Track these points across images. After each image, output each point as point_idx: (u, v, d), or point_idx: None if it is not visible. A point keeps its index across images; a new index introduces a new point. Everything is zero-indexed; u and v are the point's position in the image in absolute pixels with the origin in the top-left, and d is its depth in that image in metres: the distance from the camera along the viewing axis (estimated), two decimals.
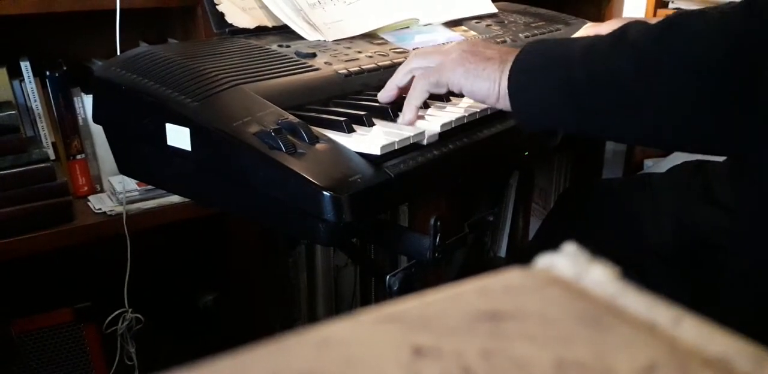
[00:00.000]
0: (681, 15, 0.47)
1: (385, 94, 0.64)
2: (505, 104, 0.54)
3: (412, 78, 0.61)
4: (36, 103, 0.86)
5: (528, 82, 0.52)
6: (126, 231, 0.84)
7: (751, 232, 0.54)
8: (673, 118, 0.46)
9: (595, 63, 0.48)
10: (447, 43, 0.89)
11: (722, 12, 0.44)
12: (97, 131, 0.88)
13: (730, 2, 0.46)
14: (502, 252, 1.53)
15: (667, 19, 0.47)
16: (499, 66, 0.54)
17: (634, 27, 0.48)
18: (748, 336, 0.17)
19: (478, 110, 0.66)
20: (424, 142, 0.58)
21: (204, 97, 0.57)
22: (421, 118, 0.63)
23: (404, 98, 0.62)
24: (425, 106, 0.67)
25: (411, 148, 0.57)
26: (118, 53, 0.79)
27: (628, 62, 0.46)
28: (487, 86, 0.55)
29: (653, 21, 0.48)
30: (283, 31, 0.81)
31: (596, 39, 0.50)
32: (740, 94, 0.43)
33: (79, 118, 0.88)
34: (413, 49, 0.83)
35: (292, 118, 0.56)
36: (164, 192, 0.86)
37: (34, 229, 0.78)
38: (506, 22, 1.04)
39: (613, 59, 0.47)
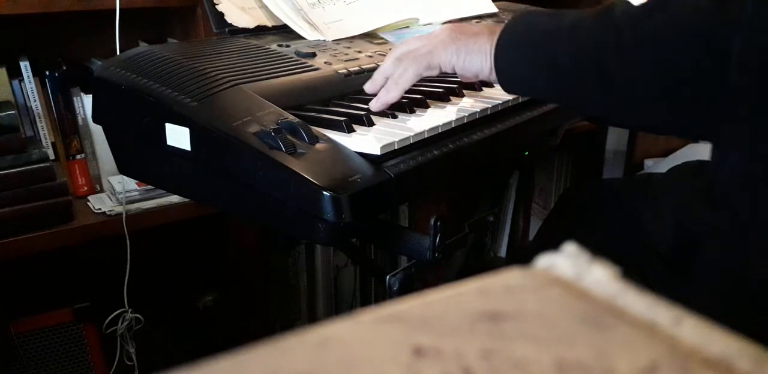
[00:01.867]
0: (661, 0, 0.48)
1: (372, 85, 0.64)
2: (494, 75, 0.56)
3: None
4: (35, 103, 0.86)
5: (513, 54, 0.54)
6: (126, 231, 0.84)
7: (749, 233, 0.54)
8: (647, 97, 0.47)
9: (579, 38, 0.50)
10: None
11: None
12: (97, 131, 0.88)
13: None
14: (503, 253, 1.53)
15: (648, 3, 0.48)
16: (489, 38, 0.56)
17: (619, 5, 0.50)
18: (747, 336, 0.17)
19: (478, 110, 0.66)
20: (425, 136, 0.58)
21: (204, 97, 0.57)
22: (422, 117, 0.63)
23: (411, 93, 0.62)
24: (425, 106, 0.67)
25: (411, 148, 0.57)
26: (118, 53, 0.79)
27: (609, 40, 0.48)
28: (479, 59, 0.56)
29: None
30: (283, 31, 0.81)
31: (582, 14, 0.51)
32: (710, 80, 0.44)
33: (79, 117, 0.88)
34: None
35: (291, 117, 0.55)
36: (164, 192, 0.86)
37: (33, 229, 0.78)
38: (506, 21, 1.04)
39: (596, 36, 0.49)
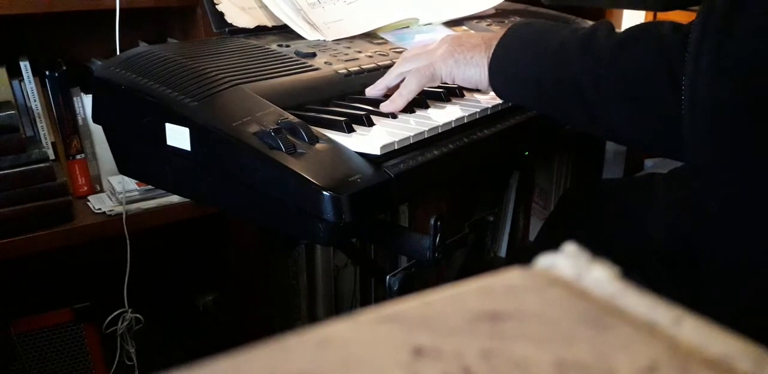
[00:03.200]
0: (637, 31, 0.53)
1: (373, 92, 0.67)
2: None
3: (403, 80, 0.65)
4: (35, 103, 0.86)
5: (504, 72, 0.59)
6: (126, 231, 0.84)
7: (748, 233, 0.54)
8: (617, 122, 0.54)
9: (563, 64, 0.55)
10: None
11: (663, 36, 0.51)
12: (97, 131, 0.88)
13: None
14: (503, 252, 1.53)
15: (627, 33, 0.53)
16: (485, 52, 0.60)
17: (601, 31, 0.55)
18: (748, 337, 0.17)
19: (478, 110, 0.66)
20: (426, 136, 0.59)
21: (204, 97, 0.57)
22: (422, 117, 0.63)
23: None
24: (425, 106, 0.67)
25: (411, 148, 0.57)
26: (118, 53, 0.79)
27: (589, 69, 0.53)
28: (476, 72, 0.61)
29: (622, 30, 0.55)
30: (283, 31, 0.81)
31: (571, 36, 0.56)
32: (670, 112, 0.50)
33: (79, 117, 0.88)
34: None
35: (291, 117, 0.55)
36: (164, 192, 0.86)
37: (33, 229, 0.78)
38: (506, 21, 1.04)
39: (577, 64, 0.54)
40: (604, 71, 0.52)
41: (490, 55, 0.59)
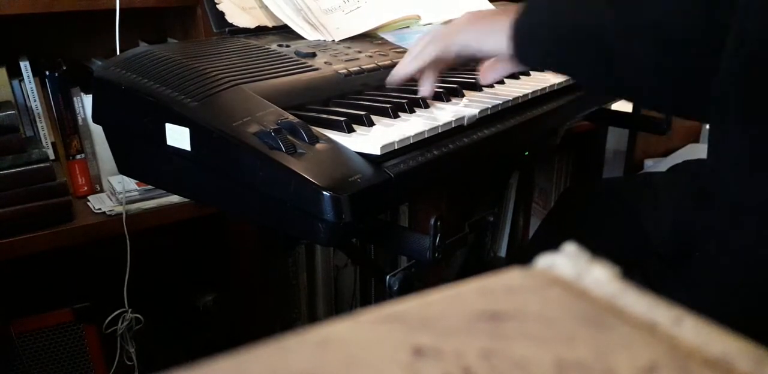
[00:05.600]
0: None
1: (404, 69, 0.67)
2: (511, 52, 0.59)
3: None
4: (35, 103, 0.86)
5: (527, 32, 0.57)
6: (126, 231, 0.84)
7: (748, 232, 0.54)
8: (643, 76, 0.50)
9: (583, 17, 0.53)
10: None
11: None
12: (97, 131, 0.88)
13: None
14: (503, 252, 1.53)
15: None
16: (506, 18, 0.58)
17: None
18: (748, 337, 0.17)
19: (478, 110, 0.66)
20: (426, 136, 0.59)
21: (204, 97, 0.57)
22: (422, 117, 0.63)
23: (402, 97, 0.63)
24: (425, 106, 0.67)
25: (411, 148, 0.57)
26: (118, 53, 0.79)
27: (611, 18, 0.50)
28: (496, 38, 0.58)
29: None
30: (283, 31, 0.81)
31: None
32: (705, 59, 0.47)
33: (79, 117, 0.88)
34: None
35: (291, 117, 0.55)
36: (164, 192, 0.86)
37: (33, 229, 0.78)
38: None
39: (601, 15, 0.51)
40: (632, 17, 0.49)
41: (512, 21, 0.57)
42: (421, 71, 0.66)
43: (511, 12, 0.58)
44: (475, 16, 0.62)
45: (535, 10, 0.57)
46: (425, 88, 0.66)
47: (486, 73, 0.68)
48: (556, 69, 0.62)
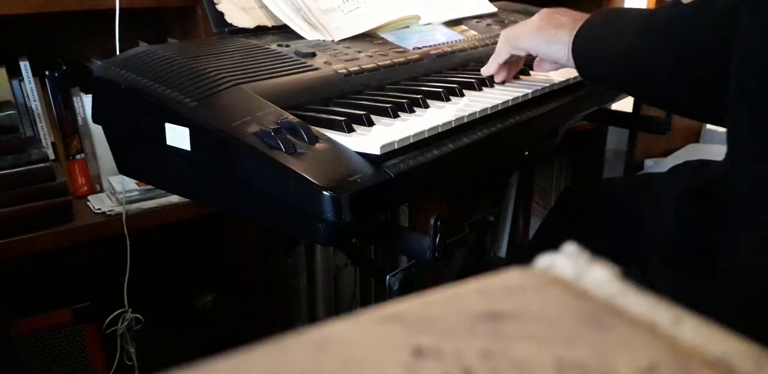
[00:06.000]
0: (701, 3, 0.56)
1: (488, 68, 0.78)
2: (572, 63, 0.67)
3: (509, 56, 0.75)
4: (35, 103, 0.86)
5: (587, 48, 0.65)
6: (125, 231, 0.84)
7: (749, 232, 0.54)
8: (666, 86, 0.58)
9: (626, 40, 0.60)
10: (447, 42, 0.89)
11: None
12: (97, 131, 0.88)
13: None
14: (503, 252, 1.53)
15: (694, 5, 0.56)
16: (569, 31, 0.66)
17: (665, 7, 0.59)
18: (748, 337, 0.17)
19: (478, 110, 0.66)
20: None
21: (203, 97, 0.57)
22: (422, 117, 0.63)
23: (405, 97, 0.63)
24: (425, 106, 0.67)
25: (411, 148, 0.57)
26: (118, 53, 0.79)
27: (643, 41, 0.58)
28: (557, 49, 0.67)
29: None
30: (283, 31, 0.81)
31: (638, 15, 0.61)
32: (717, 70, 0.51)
33: (79, 117, 0.88)
34: (413, 49, 0.83)
35: (291, 117, 0.55)
36: (164, 192, 0.86)
37: (33, 229, 0.78)
38: (506, 21, 1.04)
39: (636, 37, 0.58)
40: (657, 39, 0.57)
41: (574, 35, 0.65)
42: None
43: (573, 22, 0.66)
44: (545, 22, 0.69)
45: (591, 29, 0.65)
46: (500, 78, 0.77)
47: (538, 66, 0.77)
48: (606, 83, 0.71)
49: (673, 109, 0.76)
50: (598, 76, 0.67)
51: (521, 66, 0.81)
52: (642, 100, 0.77)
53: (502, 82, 0.77)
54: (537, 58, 0.76)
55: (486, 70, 0.77)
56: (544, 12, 0.71)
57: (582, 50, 0.65)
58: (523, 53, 0.73)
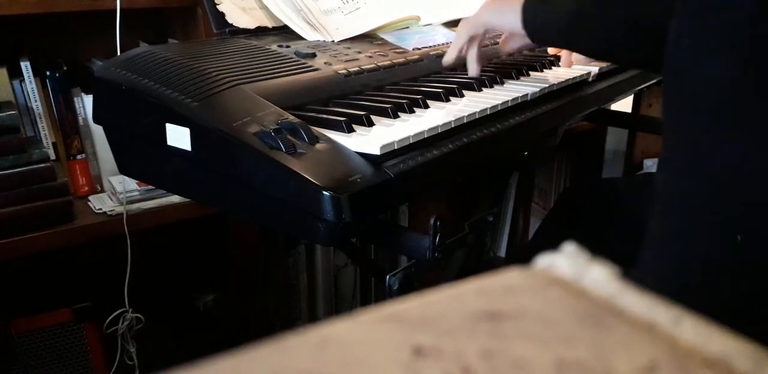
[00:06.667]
0: None
1: (449, 55, 0.78)
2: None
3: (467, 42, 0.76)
4: (36, 103, 0.86)
5: (536, 9, 0.67)
6: (126, 231, 0.84)
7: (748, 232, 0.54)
8: (615, 36, 0.61)
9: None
10: (447, 43, 0.89)
11: None
12: (98, 131, 0.88)
13: None
14: (502, 252, 1.53)
15: None
16: (519, 1, 0.68)
17: None
18: (748, 336, 0.17)
19: (478, 110, 0.66)
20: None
21: (204, 97, 0.57)
22: (422, 117, 0.63)
23: (405, 97, 0.63)
24: (425, 106, 0.67)
25: (411, 148, 0.57)
26: (119, 53, 0.79)
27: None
28: (511, 16, 0.69)
29: None
30: (283, 32, 0.81)
31: None
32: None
33: (80, 118, 0.88)
34: (413, 50, 0.83)
35: (291, 118, 0.56)
36: (164, 192, 0.86)
37: (34, 229, 0.78)
38: None
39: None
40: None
41: (522, 3, 0.67)
42: (465, 53, 0.77)
43: None
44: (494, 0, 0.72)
45: None
46: (472, 68, 0.76)
47: (504, 45, 0.79)
48: (556, 43, 0.75)
49: (620, 62, 0.79)
50: (548, 37, 0.69)
51: (490, 56, 0.83)
52: (590, 56, 0.78)
53: (479, 75, 0.77)
54: (502, 38, 0.78)
55: (447, 57, 0.77)
56: None
57: (531, 14, 0.67)
58: (481, 29, 0.73)
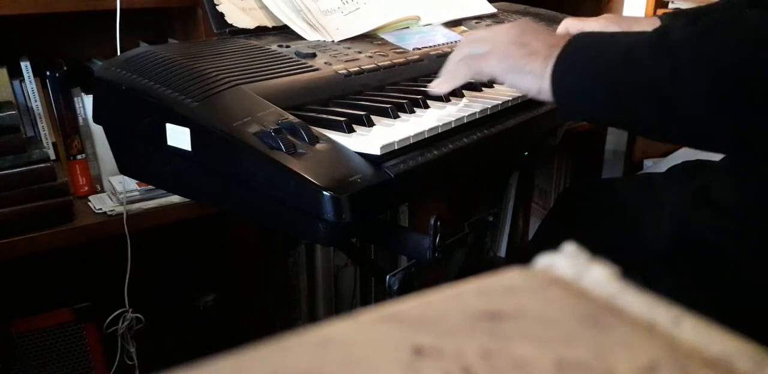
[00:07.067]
0: (717, 20, 0.48)
1: (441, 88, 0.65)
2: (546, 96, 0.56)
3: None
4: (36, 103, 0.86)
5: (569, 80, 0.54)
6: (126, 231, 0.84)
7: (749, 232, 0.54)
8: (699, 121, 0.48)
9: (633, 64, 0.50)
10: (447, 43, 0.89)
11: (753, 19, 0.46)
12: (98, 131, 0.88)
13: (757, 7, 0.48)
14: (502, 252, 1.53)
15: (705, 23, 0.48)
16: (543, 62, 0.56)
17: (674, 28, 0.50)
18: (747, 336, 0.17)
19: (478, 110, 0.66)
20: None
21: (204, 97, 0.57)
22: (422, 117, 0.63)
23: (403, 97, 0.63)
24: (425, 106, 0.67)
25: (411, 148, 0.57)
26: (119, 53, 0.79)
27: (664, 66, 0.48)
28: (529, 81, 0.56)
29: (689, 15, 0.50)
30: (283, 32, 0.81)
31: (638, 37, 0.52)
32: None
33: (80, 118, 0.88)
34: (413, 50, 0.83)
35: (292, 118, 0.56)
36: (164, 192, 0.86)
37: (34, 229, 0.78)
38: (506, 22, 1.04)
39: (650, 61, 0.49)
40: (684, 60, 0.47)
41: (550, 65, 0.55)
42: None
43: (549, 55, 0.55)
44: (514, 45, 0.58)
45: (573, 60, 0.54)
46: (440, 89, 0.65)
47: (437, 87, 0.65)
48: (601, 120, 0.60)
49: (699, 143, 0.56)
50: (586, 112, 0.57)
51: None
52: (647, 133, 0.60)
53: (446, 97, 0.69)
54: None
55: (438, 90, 0.64)
56: (513, 30, 0.60)
57: (564, 83, 0.55)
58: (485, 79, 0.62)
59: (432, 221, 0.56)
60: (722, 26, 0.47)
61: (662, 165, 1.44)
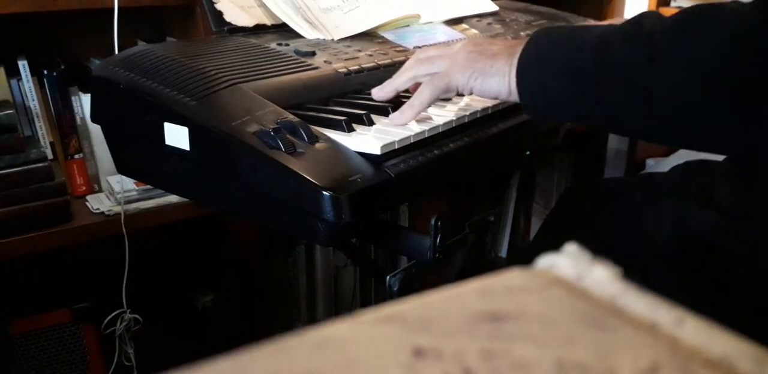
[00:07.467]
0: (696, 11, 0.47)
1: (382, 94, 0.64)
2: (516, 97, 0.54)
3: (415, 83, 0.61)
4: (34, 103, 0.86)
5: (536, 73, 0.52)
6: (124, 231, 0.83)
7: (752, 233, 0.54)
8: (678, 113, 0.46)
9: (606, 52, 0.48)
10: (448, 41, 0.89)
11: (735, 10, 0.45)
12: (95, 130, 0.87)
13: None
14: (503, 253, 1.53)
15: (683, 14, 0.47)
16: (507, 59, 0.54)
17: (648, 18, 0.49)
18: (750, 337, 0.17)
19: (479, 110, 0.66)
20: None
21: (203, 96, 0.57)
22: (422, 116, 0.63)
23: (401, 96, 0.62)
24: None
25: (411, 148, 0.56)
26: (116, 52, 0.79)
27: (640, 53, 0.46)
28: (497, 82, 0.55)
29: (668, 13, 0.49)
30: (282, 30, 0.81)
31: (609, 28, 0.50)
32: (747, 96, 0.44)
33: (77, 117, 0.88)
34: (414, 48, 0.83)
35: (291, 117, 0.55)
36: (163, 191, 0.86)
37: (31, 229, 0.78)
38: (507, 20, 1.04)
39: (625, 49, 0.47)
40: (659, 48, 0.45)
41: (515, 63, 0.53)
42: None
43: (513, 53, 0.54)
44: (474, 53, 0.56)
45: (538, 53, 0.52)
46: (384, 95, 0.62)
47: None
48: (571, 116, 0.56)
49: (683, 142, 0.54)
50: (554, 108, 0.54)
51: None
52: (617, 125, 0.54)
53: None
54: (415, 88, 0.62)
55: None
56: (467, 43, 0.58)
57: (530, 77, 0.52)
58: (452, 94, 0.59)
59: (432, 221, 0.56)
60: (695, 13, 0.46)
61: (664, 164, 1.44)
